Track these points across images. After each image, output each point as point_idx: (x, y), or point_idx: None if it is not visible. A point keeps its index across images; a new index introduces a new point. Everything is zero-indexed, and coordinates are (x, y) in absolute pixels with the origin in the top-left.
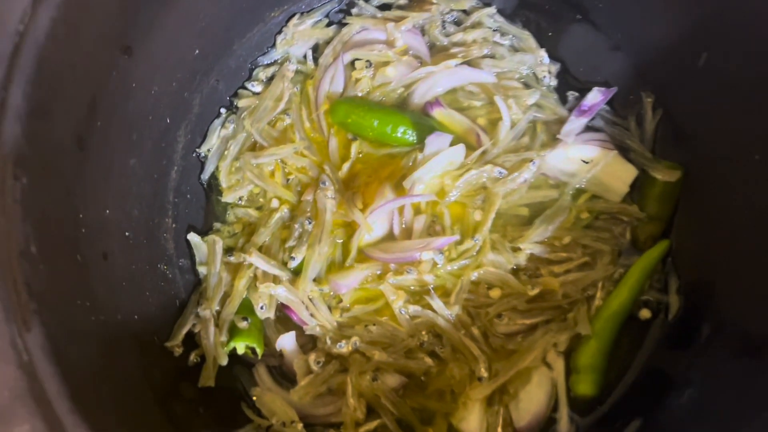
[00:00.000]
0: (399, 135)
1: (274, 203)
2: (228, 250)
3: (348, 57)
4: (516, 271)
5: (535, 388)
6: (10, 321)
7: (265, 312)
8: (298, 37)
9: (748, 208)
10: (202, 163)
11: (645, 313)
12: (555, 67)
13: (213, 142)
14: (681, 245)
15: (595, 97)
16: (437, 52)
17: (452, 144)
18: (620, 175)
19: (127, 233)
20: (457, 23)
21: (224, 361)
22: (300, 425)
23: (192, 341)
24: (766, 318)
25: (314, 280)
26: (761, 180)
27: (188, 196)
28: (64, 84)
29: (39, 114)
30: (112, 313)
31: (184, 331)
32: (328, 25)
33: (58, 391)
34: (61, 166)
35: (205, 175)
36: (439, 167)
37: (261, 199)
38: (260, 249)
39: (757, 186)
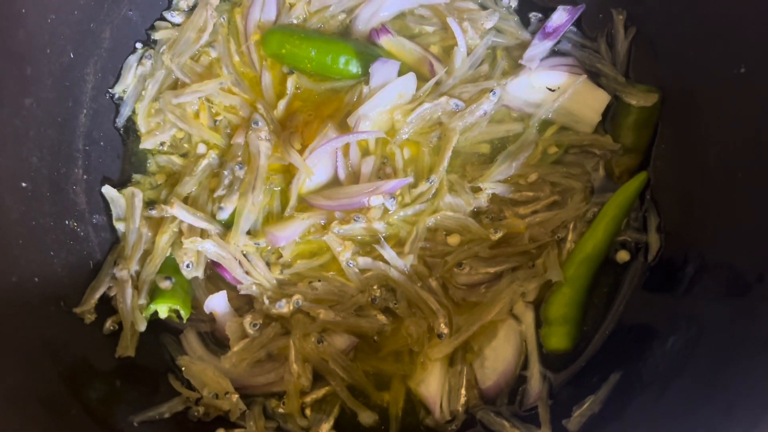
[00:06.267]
0: (341, 66)
1: (201, 148)
2: (149, 204)
3: None
4: (477, 214)
5: (502, 343)
6: None
7: (192, 271)
8: None
9: (735, 130)
10: (116, 106)
11: (623, 255)
12: None
13: (128, 81)
14: (660, 178)
15: (561, 17)
16: None
17: (401, 73)
18: (591, 102)
19: (23, 184)
20: None
21: (142, 327)
22: (235, 396)
23: (109, 307)
24: (757, 253)
25: (249, 233)
26: (747, 95)
27: (101, 143)
28: None
29: None
30: (4, 275)
31: (98, 294)
32: None
33: None
34: None
35: (121, 119)
36: (388, 101)
37: (186, 145)
38: (186, 200)
39: (744, 103)
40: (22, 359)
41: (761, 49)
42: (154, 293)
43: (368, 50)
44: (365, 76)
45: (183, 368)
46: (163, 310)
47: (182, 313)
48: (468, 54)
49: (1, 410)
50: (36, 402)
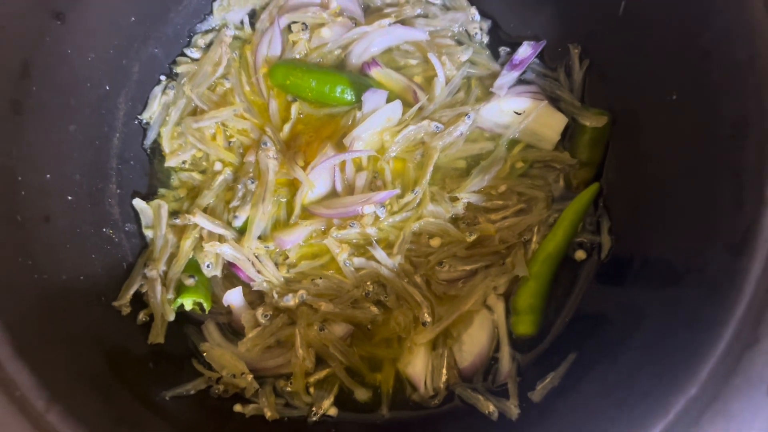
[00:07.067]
0: (337, 94)
1: (217, 166)
2: (174, 214)
3: (284, 21)
4: (455, 220)
5: (477, 330)
6: None
7: (211, 270)
8: (234, 3)
9: (670, 147)
10: (144, 130)
11: (580, 254)
12: (486, 24)
13: (154, 108)
14: (611, 188)
15: (526, 51)
16: (371, 13)
17: (389, 100)
18: (551, 124)
19: (69, 197)
20: None
21: (171, 317)
22: (250, 377)
23: (141, 302)
24: (685, 250)
25: (260, 238)
26: (679, 118)
27: (131, 162)
28: None
29: None
30: (56, 274)
31: (132, 291)
32: None
33: (2, 343)
34: None
35: (148, 141)
36: (378, 124)
37: (204, 163)
38: (205, 211)
39: (676, 124)
40: (73, 345)
41: (688, 80)
42: (180, 289)
43: (361, 81)
44: (358, 102)
45: (204, 353)
46: (188, 303)
47: (204, 305)
48: (446, 83)
49: (58, 388)
50: (86, 379)
